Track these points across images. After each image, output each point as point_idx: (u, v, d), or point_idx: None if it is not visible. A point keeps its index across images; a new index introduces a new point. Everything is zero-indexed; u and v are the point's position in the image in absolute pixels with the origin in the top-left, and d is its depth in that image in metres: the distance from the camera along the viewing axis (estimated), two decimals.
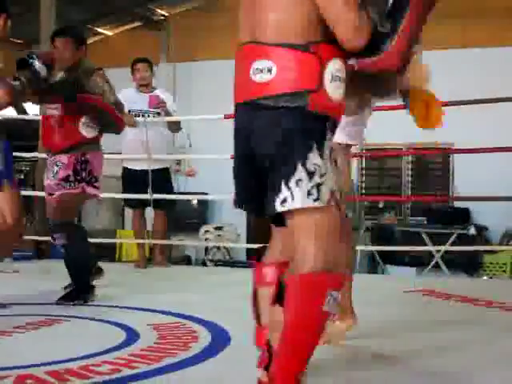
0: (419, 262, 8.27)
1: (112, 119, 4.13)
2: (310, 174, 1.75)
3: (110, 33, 11.25)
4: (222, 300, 4.04)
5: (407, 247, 7.71)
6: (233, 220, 8.76)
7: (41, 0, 7.63)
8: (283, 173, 1.77)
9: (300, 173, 1.75)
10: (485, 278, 7.90)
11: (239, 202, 1.98)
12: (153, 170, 5.93)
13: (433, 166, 9.90)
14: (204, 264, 8.74)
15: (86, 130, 4.05)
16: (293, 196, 1.75)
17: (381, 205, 9.58)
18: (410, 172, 9.81)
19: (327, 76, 1.78)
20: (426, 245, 8.13)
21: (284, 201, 1.76)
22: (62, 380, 2.29)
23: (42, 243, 6.60)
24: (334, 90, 1.80)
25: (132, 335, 3.01)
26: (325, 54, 1.78)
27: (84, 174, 4.03)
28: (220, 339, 2.95)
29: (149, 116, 5.98)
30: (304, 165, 1.76)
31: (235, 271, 6.57)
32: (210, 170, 8.66)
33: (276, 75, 1.77)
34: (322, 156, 1.78)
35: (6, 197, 3.43)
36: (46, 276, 5.20)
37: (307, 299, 1.76)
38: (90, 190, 4.09)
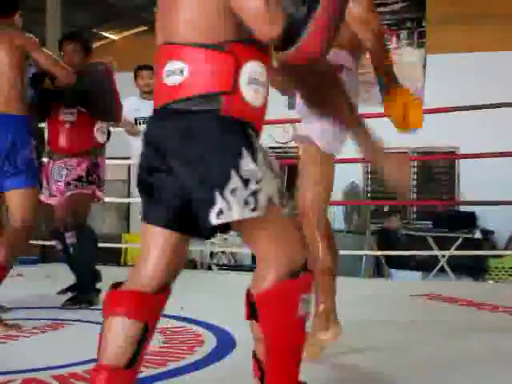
0: (425, 266, 8.27)
1: (115, 102, 4.17)
2: (245, 182, 1.59)
3: (115, 37, 11.29)
4: (228, 304, 4.02)
5: (413, 252, 7.71)
6: None
7: (47, 4, 7.67)
8: (216, 182, 1.59)
9: (235, 181, 1.59)
10: (490, 282, 7.89)
11: (149, 216, 1.74)
12: None
13: (438, 170, 9.90)
14: (209, 268, 8.74)
15: (100, 136, 4.11)
16: (229, 207, 1.59)
17: (386, 209, 9.58)
18: (415, 176, 9.81)
19: (243, 78, 1.63)
20: (431, 249, 8.12)
21: (220, 212, 1.59)
22: None
23: (46, 247, 6.61)
24: (251, 94, 1.65)
25: None
26: (241, 55, 1.63)
27: (95, 177, 4.09)
28: (225, 343, 2.95)
29: None
30: (238, 172, 1.59)
31: (240, 275, 6.56)
32: None
33: (188, 77, 1.62)
34: (254, 161, 1.61)
35: (26, 197, 3.46)
36: (51, 280, 5.20)
37: (280, 313, 1.66)
38: (98, 193, 4.15)
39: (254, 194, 1.60)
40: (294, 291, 1.66)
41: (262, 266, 1.68)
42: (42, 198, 4.18)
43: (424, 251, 7.89)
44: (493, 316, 3.78)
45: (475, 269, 8.09)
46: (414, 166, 9.80)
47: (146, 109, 6.01)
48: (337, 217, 8.89)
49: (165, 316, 3.56)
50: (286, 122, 7.72)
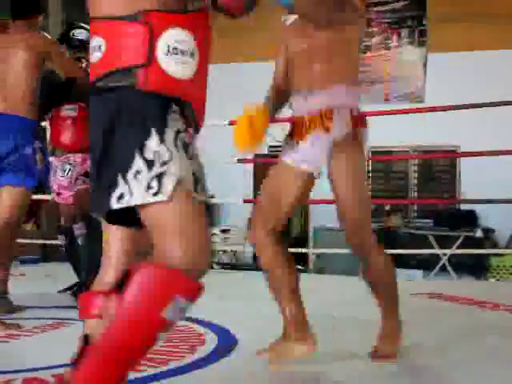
0: (426, 264, 8.26)
1: None
2: (149, 164, 1.47)
3: None
4: (229, 303, 4.04)
5: (414, 250, 7.71)
6: (239, 223, 8.76)
7: (49, 5, 7.67)
8: (119, 164, 1.49)
9: (138, 163, 1.48)
10: (492, 280, 7.89)
11: (92, 208, 1.67)
12: None
13: (439, 169, 9.88)
14: (211, 267, 8.74)
15: None
16: (131, 191, 1.47)
17: (387, 207, 9.57)
18: (416, 175, 9.80)
19: (162, 48, 1.51)
20: (432, 247, 8.12)
21: (121, 197, 1.48)
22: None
23: (47, 246, 6.61)
24: (173, 64, 1.52)
25: None
26: (158, 23, 1.51)
27: None
28: (226, 342, 2.95)
29: None
30: (142, 153, 1.48)
31: (242, 274, 6.57)
32: (216, 173, 8.66)
33: (105, 52, 1.54)
34: (162, 141, 1.49)
35: (18, 196, 3.45)
36: (52, 279, 5.21)
37: (146, 298, 1.46)
38: None
39: (159, 176, 1.48)
40: (171, 285, 1.47)
41: (154, 255, 1.51)
42: (50, 197, 4.21)
43: (425, 250, 7.89)
44: (494, 315, 3.78)
45: (476, 267, 8.09)
46: (414, 165, 9.79)
47: None
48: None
49: None
50: (286, 121, 7.72)
